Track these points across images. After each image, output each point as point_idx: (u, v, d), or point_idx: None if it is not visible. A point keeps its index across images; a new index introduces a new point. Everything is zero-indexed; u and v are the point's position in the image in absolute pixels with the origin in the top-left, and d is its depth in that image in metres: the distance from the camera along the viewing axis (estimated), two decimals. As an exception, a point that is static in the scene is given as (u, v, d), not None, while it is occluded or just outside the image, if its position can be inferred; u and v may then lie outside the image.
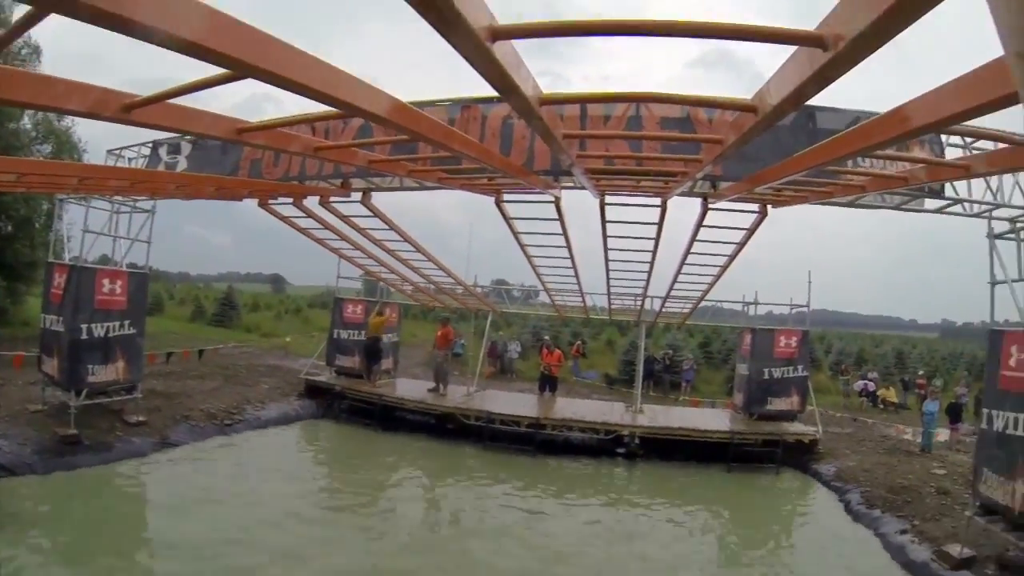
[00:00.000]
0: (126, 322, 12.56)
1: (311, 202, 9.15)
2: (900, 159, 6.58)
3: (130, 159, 12.46)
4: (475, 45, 1.91)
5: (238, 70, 2.24)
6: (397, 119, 3.21)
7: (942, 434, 17.56)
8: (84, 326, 11.84)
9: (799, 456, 15.13)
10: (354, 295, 19.87)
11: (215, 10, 1.98)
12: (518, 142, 8.22)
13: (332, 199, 9.02)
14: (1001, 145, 4.01)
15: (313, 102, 2.66)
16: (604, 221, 8.38)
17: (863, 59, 1.86)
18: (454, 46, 1.94)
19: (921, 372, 29.11)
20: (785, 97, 2.35)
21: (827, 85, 2.15)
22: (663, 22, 2.07)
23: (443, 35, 1.84)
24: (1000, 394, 8.87)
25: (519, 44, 2.31)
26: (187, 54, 1.97)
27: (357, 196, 8.89)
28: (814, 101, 8.17)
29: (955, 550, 9.43)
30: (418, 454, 14.22)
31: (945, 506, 11.56)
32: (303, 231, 10.98)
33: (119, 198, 12.67)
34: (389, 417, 15.93)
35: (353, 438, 15.33)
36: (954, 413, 19.37)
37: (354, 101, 2.74)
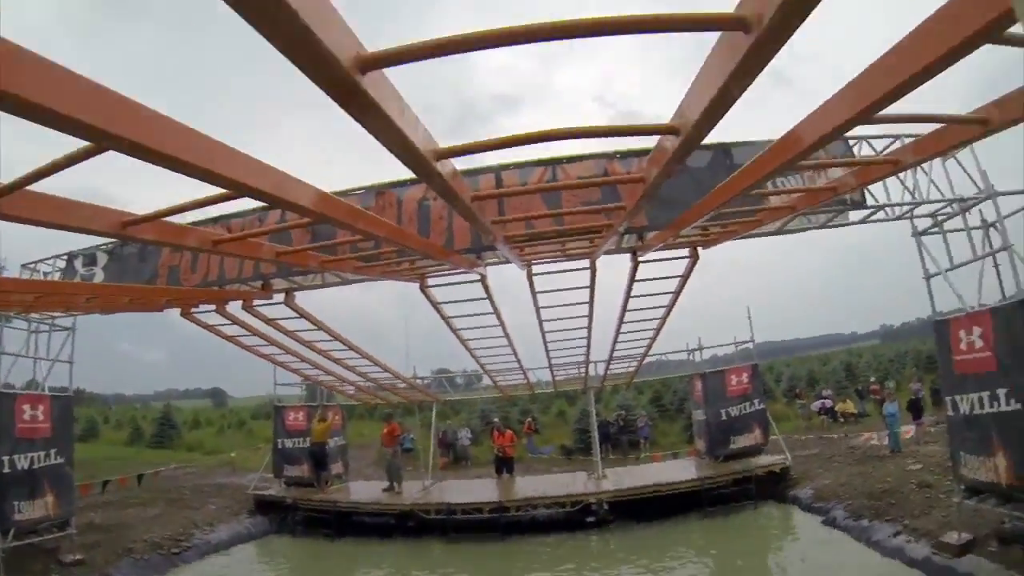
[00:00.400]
0: (52, 451, 11.57)
1: (235, 307, 8.72)
2: (828, 165, 6.68)
3: (45, 273, 11.82)
4: (340, 76, 1.69)
5: (99, 141, 2.02)
6: (290, 197, 2.97)
7: (908, 431, 17.76)
8: (5, 458, 10.83)
9: (774, 487, 15.09)
10: (297, 401, 19.20)
11: (68, 72, 1.77)
12: (436, 223, 8.13)
13: (255, 302, 8.66)
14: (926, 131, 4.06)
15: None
16: (534, 292, 8.28)
17: (787, 39, 1.81)
18: (316, 81, 1.73)
19: (873, 379, 29.90)
20: (710, 102, 2.20)
21: (752, 78, 2.07)
22: (571, 22, 1.93)
23: (301, 67, 1.65)
24: (958, 379, 9.08)
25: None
26: (32, 119, 1.75)
27: (280, 297, 8.59)
28: (727, 138, 8.32)
29: (953, 537, 9.45)
30: (380, 557, 13.43)
31: (930, 498, 11.60)
32: (230, 339, 10.52)
33: (36, 316, 11.98)
34: (347, 523, 15.09)
35: (311, 550, 14.46)
36: (915, 409, 19.76)
37: (236, 176, 2.47)
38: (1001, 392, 8.28)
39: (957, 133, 3.84)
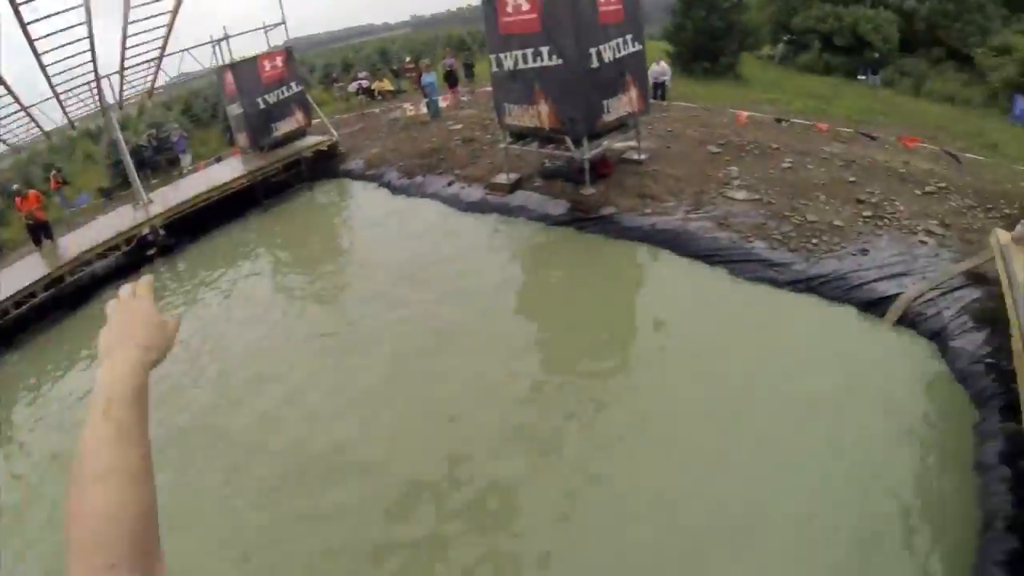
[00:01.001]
0: None
1: None
2: None
3: None
4: None
5: None
6: None
7: (445, 99, 19.34)
8: None
9: (325, 165, 15.83)
10: None
11: None
12: None
13: None
14: None
15: None
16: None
17: None
18: None
19: (408, 59, 30.80)
20: None
21: None
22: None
23: None
24: (503, 39, 10.14)
25: None
26: None
27: None
28: None
29: (503, 178, 11.24)
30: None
31: (475, 151, 13.29)
32: None
33: None
34: None
35: None
36: (451, 79, 21.93)
37: None
38: (544, 49, 9.53)
39: None
